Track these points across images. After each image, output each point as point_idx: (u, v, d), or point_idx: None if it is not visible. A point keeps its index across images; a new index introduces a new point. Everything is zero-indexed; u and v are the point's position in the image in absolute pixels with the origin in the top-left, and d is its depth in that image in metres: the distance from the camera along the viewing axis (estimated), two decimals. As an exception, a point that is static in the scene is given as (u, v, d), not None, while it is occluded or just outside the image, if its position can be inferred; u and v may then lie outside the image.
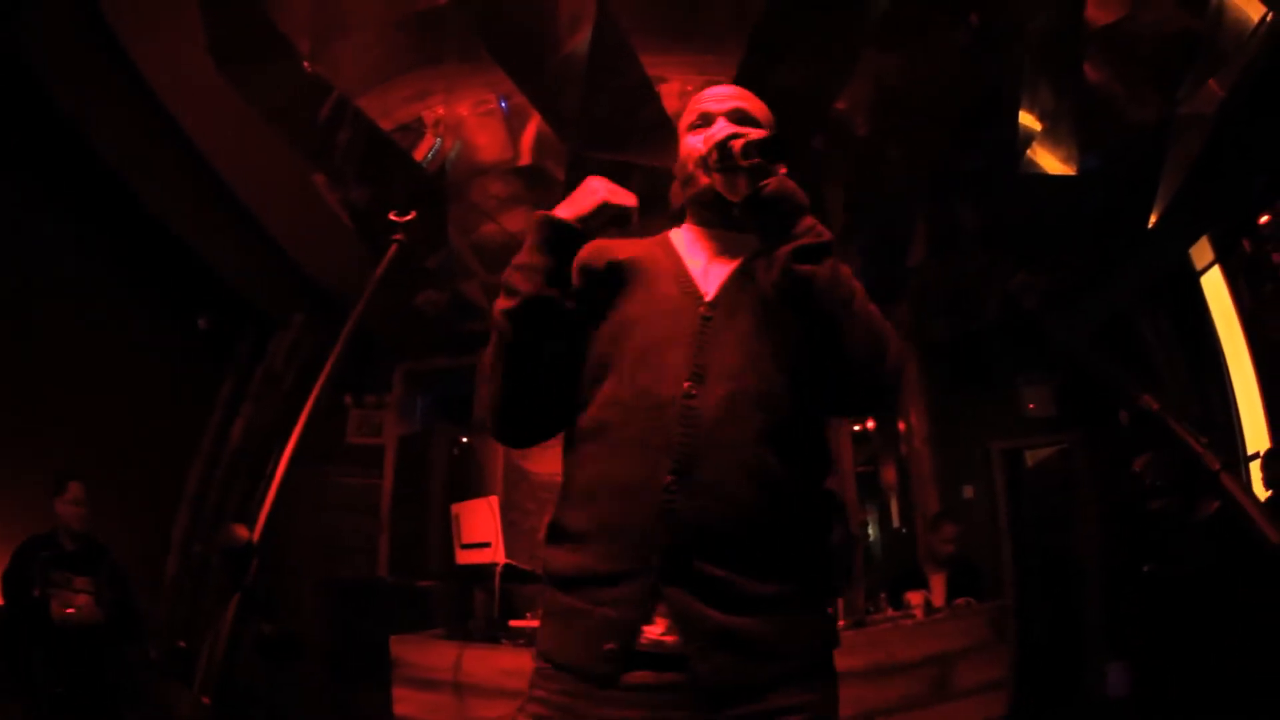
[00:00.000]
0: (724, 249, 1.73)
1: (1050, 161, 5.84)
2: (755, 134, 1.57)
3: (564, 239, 1.61)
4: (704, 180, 1.69)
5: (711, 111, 1.75)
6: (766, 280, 1.56)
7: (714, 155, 1.59)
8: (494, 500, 5.21)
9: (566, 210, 1.62)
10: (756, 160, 1.54)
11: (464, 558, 5.07)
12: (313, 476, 6.29)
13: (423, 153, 5.33)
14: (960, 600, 5.32)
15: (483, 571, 5.03)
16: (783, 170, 1.59)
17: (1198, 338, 6.71)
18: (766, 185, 1.54)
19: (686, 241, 1.78)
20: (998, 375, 8.01)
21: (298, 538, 6.06)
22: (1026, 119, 5.68)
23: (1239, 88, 5.28)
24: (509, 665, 4.41)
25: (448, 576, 5.38)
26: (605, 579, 1.48)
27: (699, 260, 1.73)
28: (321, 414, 5.90)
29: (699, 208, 1.77)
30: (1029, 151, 5.78)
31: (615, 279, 1.69)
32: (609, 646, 1.44)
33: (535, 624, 4.62)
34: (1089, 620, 6.96)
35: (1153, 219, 6.09)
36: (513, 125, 5.59)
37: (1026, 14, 5.06)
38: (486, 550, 5.00)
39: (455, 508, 5.34)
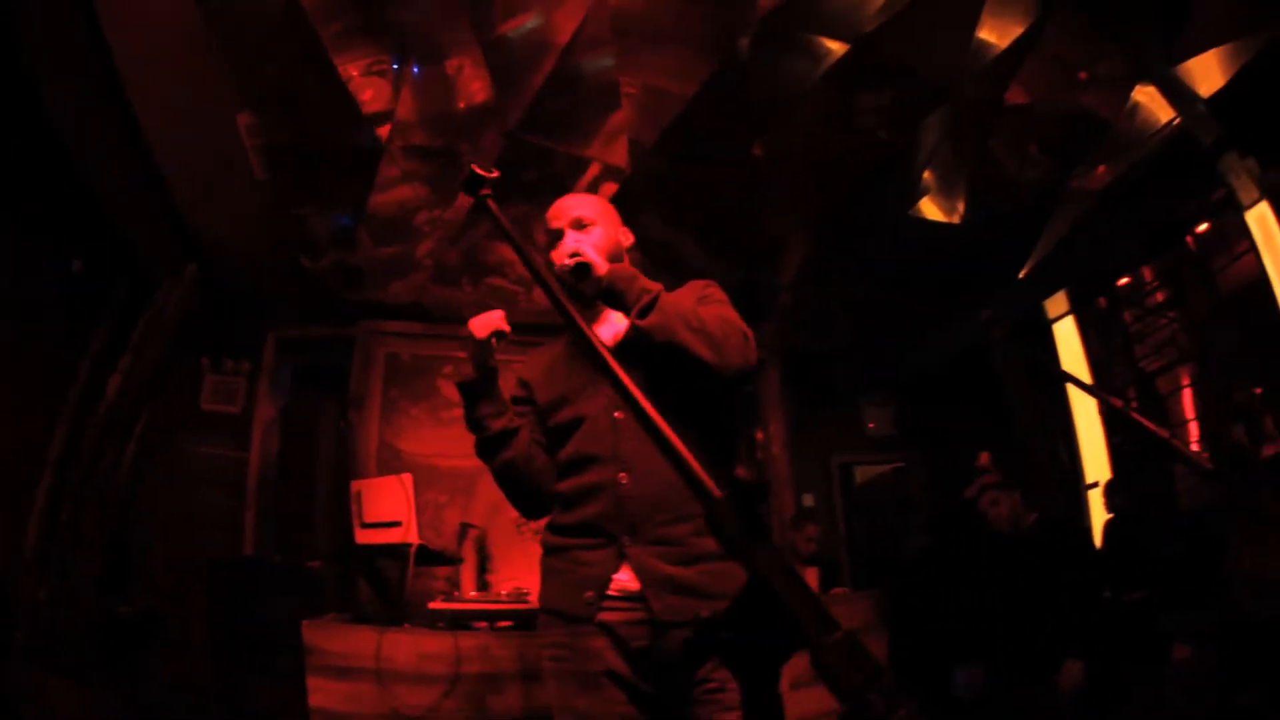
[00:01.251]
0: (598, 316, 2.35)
1: (933, 211, 6.52)
2: (568, 261, 2.17)
3: (479, 389, 2.24)
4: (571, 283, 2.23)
5: (557, 228, 2.31)
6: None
7: (565, 275, 2.17)
8: (407, 478, 5.09)
9: (467, 369, 2.24)
10: (574, 280, 2.16)
11: (366, 537, 4.91)
12: (166, 444, 5.86)
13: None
14: (836, 590, 5.77)
15: (388, 551, 4.90)
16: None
17: (1045, 377, 7.64)
18: (605, 276, 2.16)
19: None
20: (843, 394, 8.62)
21: (150, 511, 5.63)
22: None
23: (1126, 173, 6.14)
24: (432, 649, 4.29)
25: (339, 556, 5.17)
26: (584, 547, 2.11)
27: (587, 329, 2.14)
28: (170, 376, 5.54)
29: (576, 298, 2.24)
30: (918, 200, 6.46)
31: (536, 375, 2.37)
32: (589, 595, 2.06)
33: (458, 605, 4.57)
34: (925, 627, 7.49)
35: (1024, 271, 6.96)
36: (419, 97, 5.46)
37: (950, 90, 5.62)
38: (396, 530, 4.88)
39: (356, 485, 5.17)
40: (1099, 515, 6.33)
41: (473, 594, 4.89)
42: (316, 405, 6.55)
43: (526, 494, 2.24)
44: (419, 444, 6.41)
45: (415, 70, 5.26)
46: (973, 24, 5.35)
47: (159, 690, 4.79)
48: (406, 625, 4.54)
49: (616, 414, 2.16)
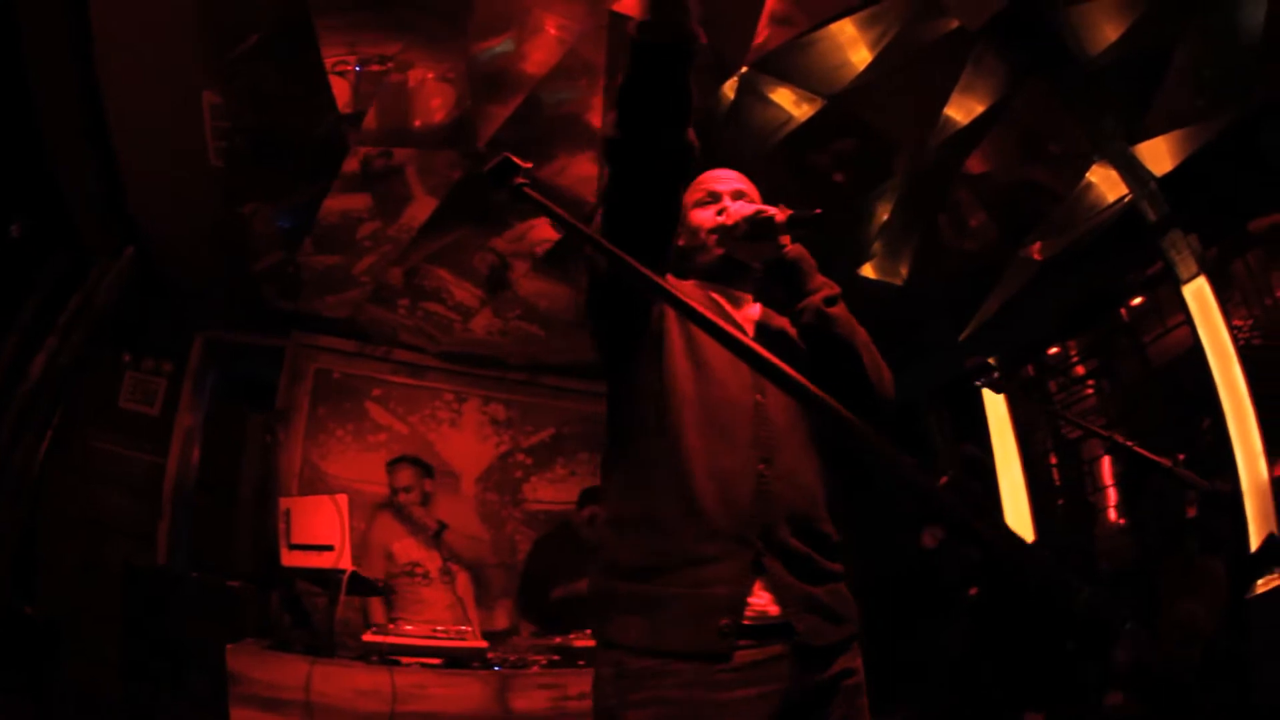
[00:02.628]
0: (733, 303, 2.14)
1: (880, 272, 6.84)
2: (780, 211, 1.99)
3: (688, 46, 1.70)
4: (717, 250, 2.10)
5: (718, 190, 2.16)
6: (794, 321, 2.07)
7: (742, 227, 2.02)
8: (342, 499, 5.03)
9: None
10: (753, 233, 2.02)
11: (293, 559, 4.79)
12: (79, 440, 5.63)
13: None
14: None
15: (313, 576, 4.81)
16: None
17: (974, 437, 7.89)
18: (790, 250, 2.06)
19: (698, 292, 2.12)
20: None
21: (59, 509, 5.37)
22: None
23: (1071, 247, 6.54)
24: (365, 684, 4.27)
25: (261, 577, 5.05)
26: (704, 559, 1.73)
27: (725, 305, 2.12)
28: (90, 366, 5.35)
29: (708, 270, 2.13)
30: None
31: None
32: (724, 622, 1.68)
33: (397, 639, 4.51)
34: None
35: (964, 334, 7.30)
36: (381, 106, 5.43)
37: (908, 160, 5.91)
38: (328, 554, 4.80)
39: (286, 502, 5.08)
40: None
41: (408, 628, 4.83)
42: (242, 416, 6.35)
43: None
44: (343, 467, 6.29)
45: (382, 77, 5.23)
46: (943, 96, 5.66)
47: (63, 701, 4.60)
48: (338, 657, 4.45)
49: (758, 397, 1.93)
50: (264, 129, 5.04)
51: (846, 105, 5.51)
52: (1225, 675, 4.68)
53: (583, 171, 5.71)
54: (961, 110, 5.82)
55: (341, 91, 5.05)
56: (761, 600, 1.74)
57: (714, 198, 2.14)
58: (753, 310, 2.17)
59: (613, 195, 1.80)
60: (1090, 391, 7.71)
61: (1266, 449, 5.97)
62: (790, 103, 5.60)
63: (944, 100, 5.70)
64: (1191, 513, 5.63)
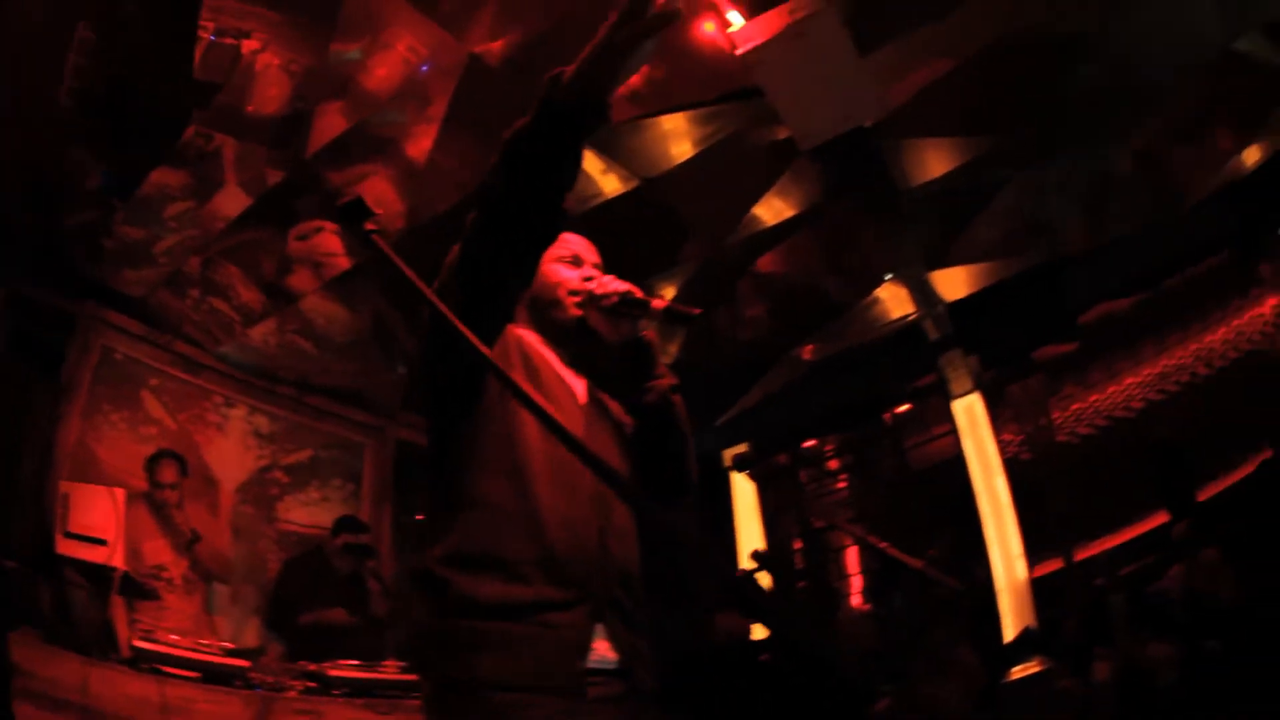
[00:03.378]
0: (569, 363, 2.27)
1: None
2: (659, 301, 2.15)
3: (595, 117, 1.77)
4: (574, 311, 2.20)
5: (582, 257, 2.29)
6: (631, 399, 2.26)
7: (613, 300, 2.15)
8: (119, 494, 4.90)
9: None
10: (625, 311, 2.15)
11: (67, 548, 4.62)
12: None
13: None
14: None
15: (86, 570, 4.63)
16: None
17: (720, 521, 8.43)
18: (646, 335, 2.25)
19: (540, 346, 2.23)
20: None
21: None
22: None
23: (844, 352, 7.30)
24: (137, 693, 4.19)
25: (35, 561, 4.76)
26: (555, 604, 1.84)
27: (559, 369, 2.24)
28: None
29: (558, 327, 2.23)
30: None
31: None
32: (579, 663, 1.82)
33: (166, 648, 4.38)
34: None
35: (722, 419, 7.94)
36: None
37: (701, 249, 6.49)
38: (101, 549, 4.66)
39: (66, 486, 4.88)
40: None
41: (173, 638, 4.67)
42: (28, 381, 5.90)
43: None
44: (115, 454, 6.02)
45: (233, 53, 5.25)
46: (754, 197, 6.23)
47: None
48: (114, 660, 4.33)
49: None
50: (122, 78, 4.95)
51: (658, 190, 5.97)
52: None
53: (380, 193, 5.92)
54: (770, 211, 6.42)
55: (201, 61, 5.07)
56: (602, 647, 1.88)
57: (578, 261, 2.26)
58: (580, 380, 2.28)
59: (479, 244, 1.85)
60: (842, 485, 8.47)
61: (1026, 552, 6.89)
62: (602, 175, 6.03)
63: (753, 201, 6.27)
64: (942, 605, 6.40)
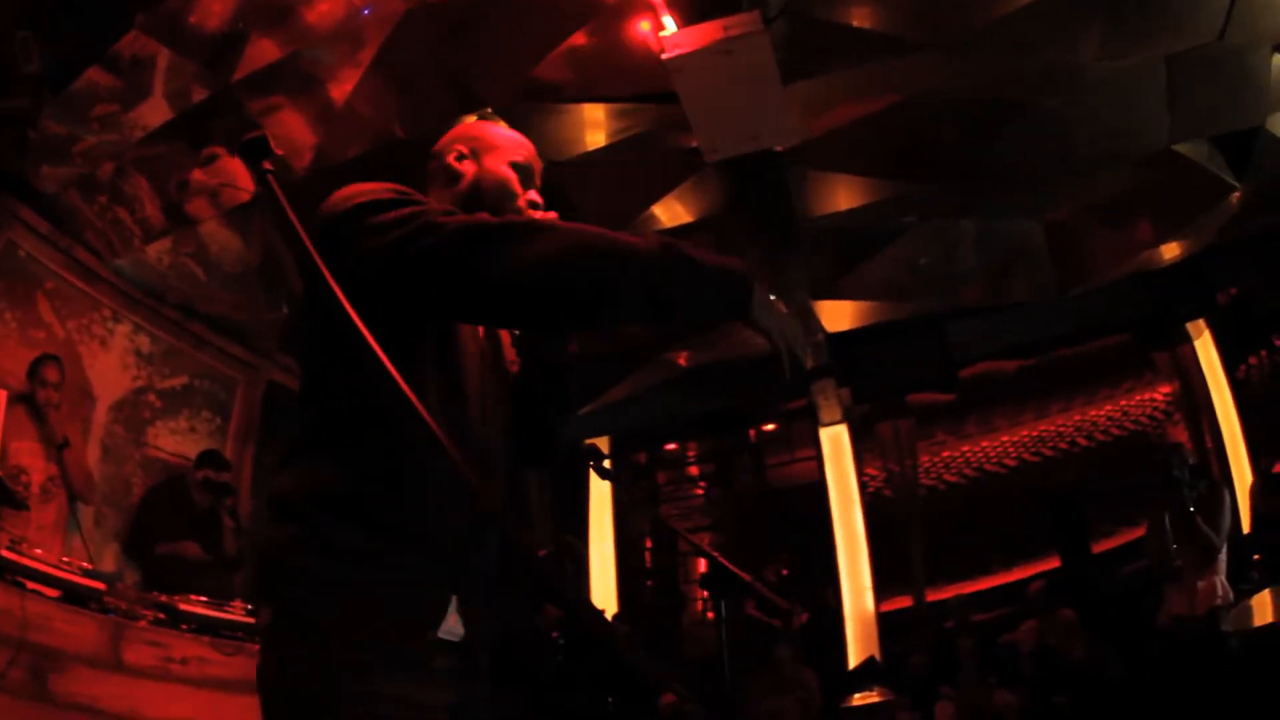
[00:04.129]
0: None
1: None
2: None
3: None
4: None
5: (534, 173, 2.18)
6: (530, 350, 2.17)
7: None
8: (2, 396, 4.96)
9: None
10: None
11: None
12: None
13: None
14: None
15: None
16: None
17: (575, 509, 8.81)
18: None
19: None
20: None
21: None
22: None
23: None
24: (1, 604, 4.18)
25: None
26: (418, 573, 1.76)
27: None
28: None
29: None
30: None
31: None
32: (431, 629, 1.76)
33: (29, 561, 4.46)
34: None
35: (586, 409, 8.24)
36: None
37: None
38: None
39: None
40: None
41: (38, 551, 4.68)
42: None
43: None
44: (3, 356, 5.98)
45: None
46: (653, 197, 6.54)
47: None
48: None
49: (485, 438, 1.98)
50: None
51: (558, 175, 5.98)
52: None
53: (292, 128, 6.13)
54: (667, 214, 6.73)
55: None
56: (451, 620, 1.81)
57: (529, 178, 2.15)
58: None
59: (596, 276, 1.67)
60: (699, 492, 8.85)
61: (876, 586, 7.36)
62: None
63: (653, 201, 6.57)
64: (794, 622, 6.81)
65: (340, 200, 1.80)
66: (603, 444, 8.87)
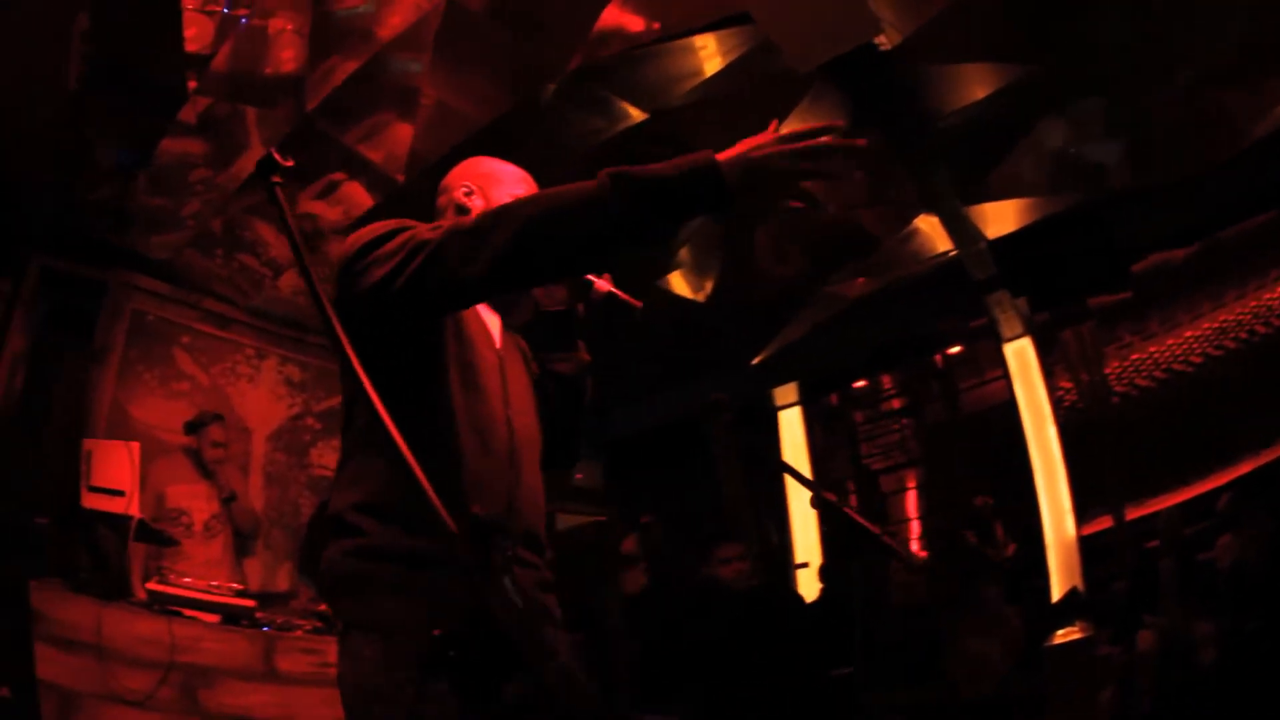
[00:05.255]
0: (492, 306, 2.53)
1: (681, 286, 7.78)
2: (603, 283, 2.44)
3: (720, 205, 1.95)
4: None
5: None
6: (544, 362, 2.57)
7: None
8: (135, 447, 5.83)
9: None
10: (605, 302, 2.43)
11: (91, 501, 5.53)
12: None
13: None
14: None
15: (109, 520, 5.50)
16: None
17: (764, 459, 9.04)
18: (579, 309, 2.53)
19: None
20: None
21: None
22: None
23: (881, 293, 7.63)
24: (148, 632, 4.94)
25: (63, 517, 5.69)
26: (450, 561, 1.97)
27: (480, 309, 2.47)
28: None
29: None
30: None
31: None
32: (455, 625, 1.83)
33: (177, 590, 5.26)
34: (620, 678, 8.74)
35: (757, 359, 8.42)
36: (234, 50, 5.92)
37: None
38: (119, 499, 5.57)
39: (88, 444, 5.82)
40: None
41: (186, 580, 5.49)
42: (60, 347, 6.82)
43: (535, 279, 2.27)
44: (149, 412, 6.93)
45: (241, 21, 5.74)
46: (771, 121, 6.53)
47: None
48: (125, 603, 5.12)
49: (510, 414, 2.32)
50: (124, 62, 5.62)
51: (669, 123, 6.26)
52: (1018, 712, 5.82)
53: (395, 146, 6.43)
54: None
55: (202, 31, 5.64)
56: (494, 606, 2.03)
57: None
58: (495, 319, 2.52)
59: (560, 237, 1.97)
60: (896, 428, 8.88)
61: (1075, 508, 7.22)
62: (613, 113, 6.38)
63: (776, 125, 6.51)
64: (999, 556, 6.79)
65: (349, 245, 2.15)
66: (790, 390, 9.21)
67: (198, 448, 6.46)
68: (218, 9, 5.61)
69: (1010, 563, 7.03)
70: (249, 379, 7.60)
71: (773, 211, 6.66)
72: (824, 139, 1.92)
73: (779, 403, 9.32)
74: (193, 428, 6.50)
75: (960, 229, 7.17)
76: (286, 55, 6.00)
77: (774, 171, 1.91)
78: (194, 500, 6.31)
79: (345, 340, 1.59)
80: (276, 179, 1.79)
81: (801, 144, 1.91)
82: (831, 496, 2.82)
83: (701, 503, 8.67)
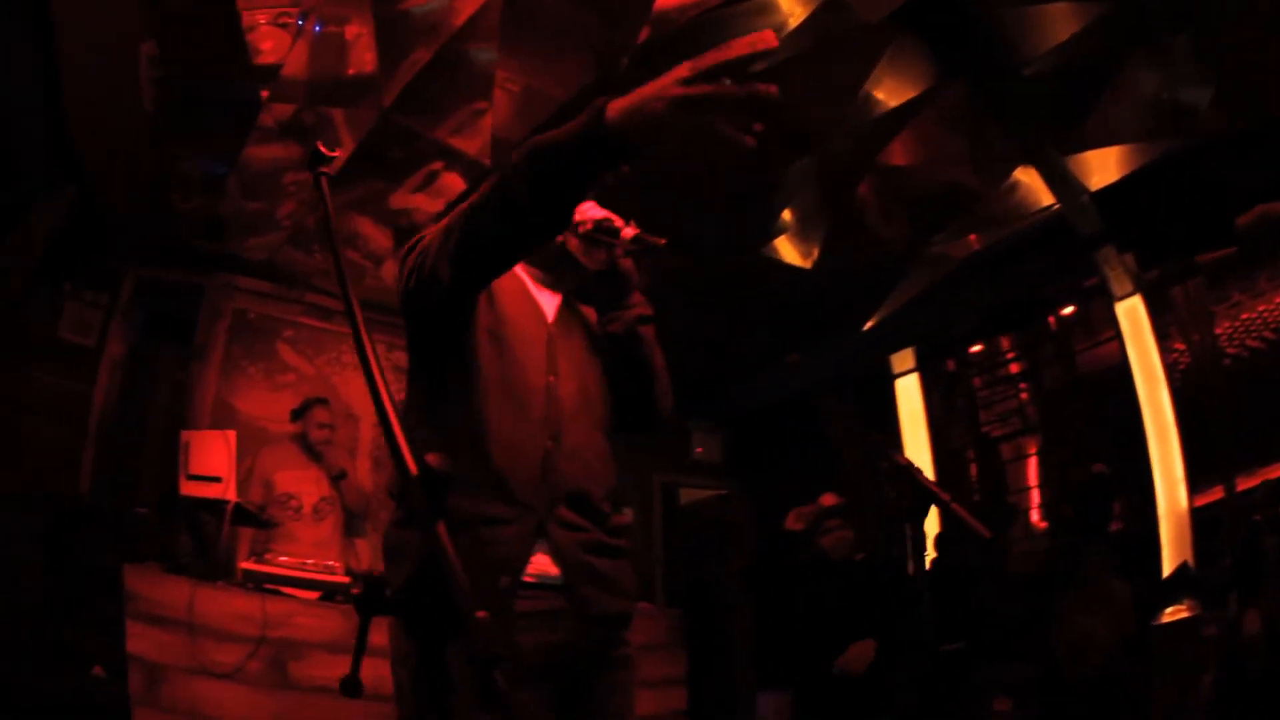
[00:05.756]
0: (544, 283, 2.65)
1: (789, 252, 7.75)
2: (629, 229, 2.49)
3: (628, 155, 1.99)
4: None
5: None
6: (601, 325, 2.63)
7: (588, 226, 2.46)
8: (231, 435, 6.25)
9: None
10: (634, 247, 2.48)
11: (190, 489, 5.98)
12: (13, 370, 6.60)
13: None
14: (642, 604, 6.97)
15: (208, 506, 5.96)
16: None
17: (881, 429, 9.07)
18: (621, 262, 2.56)
19: (517, 271, 2.61)
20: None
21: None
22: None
23: (994, 245, 7.47)
24: (241, 609, 5.34)
25: (163, 505, 6.23)
26: (492, 520, 2.20)
27: (530, 287, 2.63)
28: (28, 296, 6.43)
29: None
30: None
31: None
32: (505, 580, 2.17)
33: (268, 568, 5.75)
34: (737, 651, 9.00)
35: (869, 324, 8.42)
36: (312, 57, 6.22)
37: (822, 137, 6.72)
38: (217, 485, 5.99)
39: (186, 435, 6.28)
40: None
41: (282, 559, 5.91)
42: (157, 351, 7.42)
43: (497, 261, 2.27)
44: (253, 405, 7.48)
45: (316, 29, 6.01)
46: (859, 81, 6.38)
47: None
48: (220, 582, 5.53)
49: (550, 379, 2.44)
50: (194, 78, 6.00)
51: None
52: (1123, 692, 5.72)
53: (479, 130, 6.62)
54: (884, 92, 6.56)
55: (277, 42, 5.95)
56: (543, 562, 2.24)
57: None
58: (553, 297, 2.65)
59: (482, 232, 2.14)
60: (1013, 394, 8.78)
61: (1188, 477, 7.05)
62: None
63: (859, 84, 6.42)
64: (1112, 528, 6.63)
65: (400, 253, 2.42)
66: (906, 357, 9.23)
67: (304, 431, 6.83)
68: (291, 21, 5.91)
69: (1121, 535, 6.90)
70: (355, 367, 7.89)
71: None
72: (724, 84, 1.85)
73: (896, 370, 9.37)
74: (298, 413, 6.89)
75: (1061, 179, 7.02)
76: (367, 56, 6.25)
77: (659, 123, 1.87)
78: (302, 485, 6.70)
79: (360, 320, 1.63)
80: (322, 169, 1.91)
81: (693, 88, 1.83)
82: (904, 460, 3.04)
83: (820, 477, 8.71)
